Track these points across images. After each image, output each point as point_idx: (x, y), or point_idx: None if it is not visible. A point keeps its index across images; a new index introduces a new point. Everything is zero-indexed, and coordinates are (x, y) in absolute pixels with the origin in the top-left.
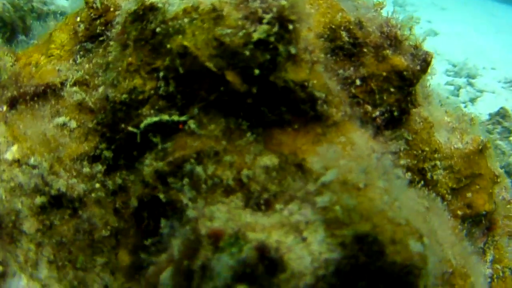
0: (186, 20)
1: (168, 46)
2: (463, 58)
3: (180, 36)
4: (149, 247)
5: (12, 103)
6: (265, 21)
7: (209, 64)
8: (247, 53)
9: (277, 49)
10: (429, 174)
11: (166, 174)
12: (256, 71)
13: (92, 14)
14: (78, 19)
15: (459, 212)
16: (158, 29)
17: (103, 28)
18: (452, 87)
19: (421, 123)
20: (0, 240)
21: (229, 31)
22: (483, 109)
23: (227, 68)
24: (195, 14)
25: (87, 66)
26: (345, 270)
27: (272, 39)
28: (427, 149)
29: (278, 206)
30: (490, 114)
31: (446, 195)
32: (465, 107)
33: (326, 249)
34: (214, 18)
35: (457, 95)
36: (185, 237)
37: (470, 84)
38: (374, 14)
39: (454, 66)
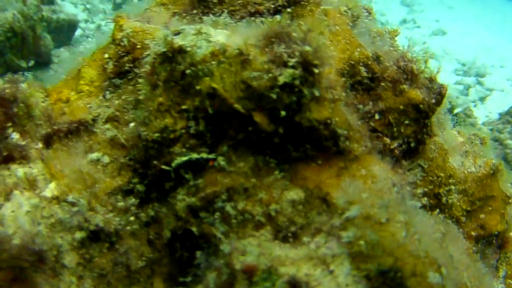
0: (214, 63)
1: (198, 87)
2: (472, 57)
3: (208, 78)
4: (185, 278)
5: (47, 140)
6: (290, 64)
7: (238, 106)
8: (274, 96)
9: (302, 92)
10: (444, 199)
11: (198, 208)
12: (283, 113)
13: (120, 52)
14: (106, 55)
15: (473, 233)
16: (187, 71)
17: (131, 65)
18: (461, 87)
19: (436, 151)
20: (44, 274)
21: (256, 74)
22: (492, 108)
23: (254, 110)
24: (222, 57)
25: (116, 102)
26: None
27: (297, 82)
28: (442, 174)
29: (305, 239)
30: (500, 114)
31: (461, 218)
32: (475, 106)
33: (352, 282)
34: (241, 61)
35: (467, 94)
36: (220, 271)
37: (479, 83)
38: (390, 47)
39: (463, 65)
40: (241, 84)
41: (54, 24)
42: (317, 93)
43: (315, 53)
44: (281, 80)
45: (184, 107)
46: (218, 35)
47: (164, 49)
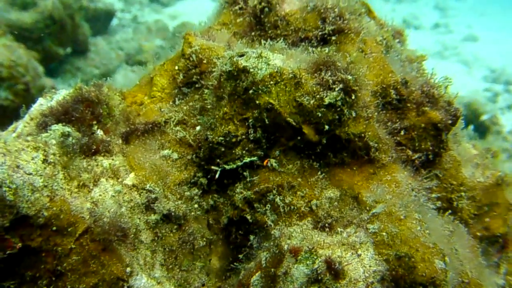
0: (272, 82)
1: (257, 102)
2: (502, 65)
3: (266, 95)
4: (240, 257)
5: (126, 137)
6: (334, 89)
7: (290, 119)
8: (320, 113)
9: (343, 111)
10: (455, 203)
11: (253, 200)
12: (326, 127)
13: (188, 65)
14: (177, 67)
15: (478, 234)
16: (249, 88)
17: (198, 77)
18: (490, 94)
19: (450, 162)
20: (126, 248)
21: (306, 95)
22: None
23: (303, 123)
24: (279, 78)
25: (185, 108)
26: (388, 279)
27: (339, 103)
28: (454, 182)
29: (339, 229)
30: None
31: (469, 220)
32: (502, 114)
33: (375, 263)
34: (295, 83)
35: (495, 101)
36: (271, 251)
37: (508, 91)
38: (416, 74)
39: (493, 72)
40: (294, 101)
41: (91, 12)
42: (353, 114)
43: (355, 81)
44: (327, 100)
45: (245, 117)
46: (276, 59)
47: (230, 68)
